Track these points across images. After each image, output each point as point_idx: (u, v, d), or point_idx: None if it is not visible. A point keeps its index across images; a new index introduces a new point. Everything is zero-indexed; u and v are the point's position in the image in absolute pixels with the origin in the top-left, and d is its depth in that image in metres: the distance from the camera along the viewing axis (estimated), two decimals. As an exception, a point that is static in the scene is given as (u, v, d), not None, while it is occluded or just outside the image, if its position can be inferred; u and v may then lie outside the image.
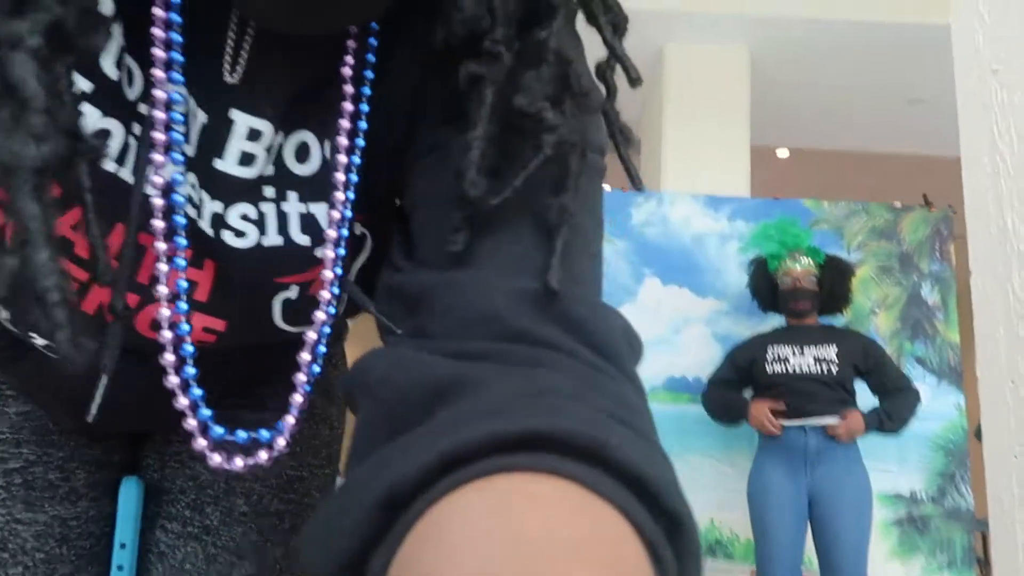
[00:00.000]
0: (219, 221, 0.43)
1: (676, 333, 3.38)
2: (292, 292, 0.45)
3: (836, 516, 2.68)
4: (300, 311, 0.46)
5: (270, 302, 0.46)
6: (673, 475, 0.29)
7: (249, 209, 0.43)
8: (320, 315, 0.43)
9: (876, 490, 3.14)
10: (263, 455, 0.43)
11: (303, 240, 0.44)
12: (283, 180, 0.43)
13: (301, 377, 0.43)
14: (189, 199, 0.41)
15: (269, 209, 0.43)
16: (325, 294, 0.43)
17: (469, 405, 0.29)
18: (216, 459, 0.41)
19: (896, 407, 2.81)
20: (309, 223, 0.44)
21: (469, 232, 0.37)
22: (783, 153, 5.59)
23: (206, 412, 0.41)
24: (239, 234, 0.43)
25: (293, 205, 0.44)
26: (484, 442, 0.26)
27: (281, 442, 0.43)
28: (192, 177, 0.42)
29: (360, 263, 0.48)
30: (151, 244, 0.41)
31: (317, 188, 0.44)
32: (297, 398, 0.43)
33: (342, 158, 0.42)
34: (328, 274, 0.43)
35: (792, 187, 4.78)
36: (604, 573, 0.22)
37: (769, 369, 2.87)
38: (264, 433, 0.43)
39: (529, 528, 0.23)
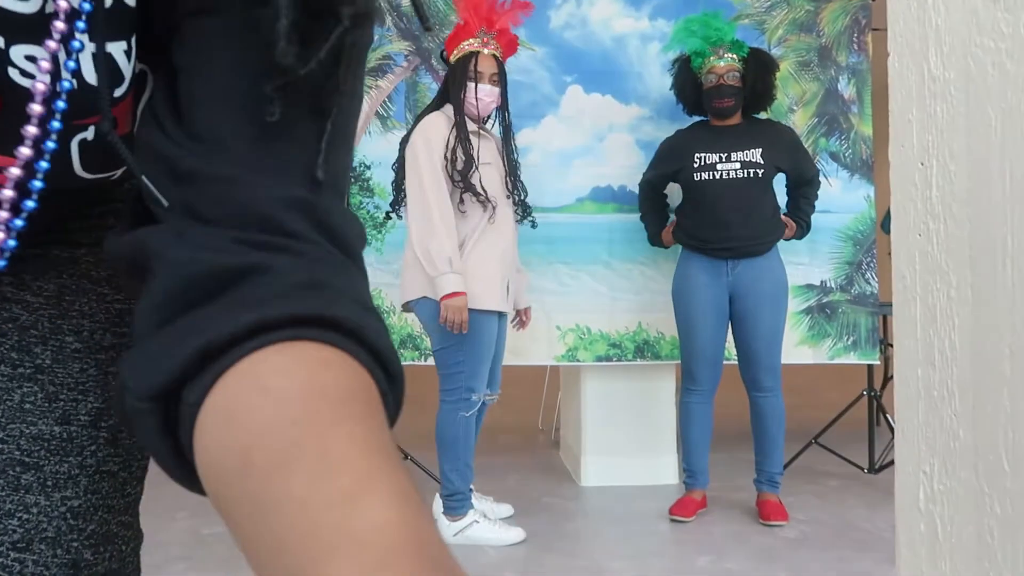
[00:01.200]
0: (2, 57, 0.40)
1: (600, 142, 3.35)
2: (89, 133, 0.45)
3: (754, 308, 2.83)
4: (98, 154, 0.45)
5: (68, 144, 0.44)
6: (391, 342, 0.39)
7: (36, 51, 0.41)
8: (24, 151, 0.42)
9: (790, 282, 3.32)
10: None
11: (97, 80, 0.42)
12: (70, 16, 0.41)
13: (3, 215, 0.43)
14: None
15: (59, 50, 0.41)
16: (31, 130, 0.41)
17: (267, 289, 0.36)
18: None
19: (811, 210, 3.00)
20: (104, 62, 0.42)
21: (283, 102, 0.39)
22: (706, -54, 5.35)
23: None
24: (26, 74, 0.41)
25: (84, 44, 0.42)
26: (282, 318, 0.35)
27: None
28: None
29: (144, 103, 0.46)
30: None
31: (110, 25, 0.42)
32: None
33: None
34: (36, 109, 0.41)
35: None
36: (367, 410, 0.34)
37: (697, 177, 2.89)
38: None
39: (323, 381, 0.34)
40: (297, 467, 0.30)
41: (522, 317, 2.93)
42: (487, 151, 2.63)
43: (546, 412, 5.13)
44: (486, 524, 2.62)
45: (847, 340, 3.39)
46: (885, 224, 4.39)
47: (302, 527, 0.28)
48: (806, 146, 3.37)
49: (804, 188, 3.00)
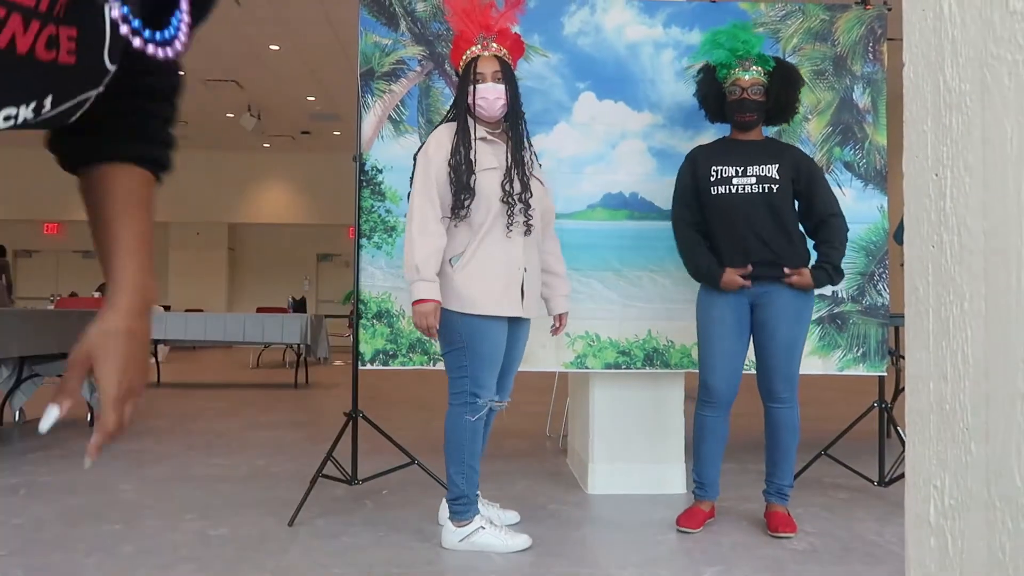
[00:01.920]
0: None
1: (612, 149, 3.35)
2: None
3: (774, 317, 2.78)
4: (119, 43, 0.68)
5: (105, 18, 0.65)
6: (169, 156, 0.85)
7: None
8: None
9: (801, 292, 3.28)
10: (173, 50, 0.68)
11: None
12: None
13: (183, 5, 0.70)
14: None
15: None
16: None
17: (120, 135, 0.80)
18: (149, 48, 0.65)
19: (836, 253, 2.81)
20: None
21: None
22: (721, -46, 5.34)
23: (136, 22, 0.64)
24: None
25: None
26: (128, 153, 0.80)
27: (182, 38, 0.69)
28: None
29: None
30: None
31: None
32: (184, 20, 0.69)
33: None
34: None
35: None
36: (144, 204, 0.81)
37: (713, 191, 2.86)
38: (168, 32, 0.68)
39: (132, 185, 0.80)
40: (110, 224, 0.77)
41: (556, 323, 2.92)
42: (495, 156, 2.63)
43: (554, 419, 5.12)
44: (492, 530, 2.61)
45: (857, 352, 3.36)
46: (898, 235, 4.37)
47: (104, 243, 0.77)
48: (820, 155, 3.36)
49: (821, 231, 2.85)
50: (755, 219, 2.79)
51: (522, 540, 2.60)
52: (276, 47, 9.92)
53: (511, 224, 2.61)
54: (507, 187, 2.59)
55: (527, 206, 2.63)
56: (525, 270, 2.65)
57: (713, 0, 3.40)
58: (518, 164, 2.64)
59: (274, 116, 13.07)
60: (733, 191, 2.82)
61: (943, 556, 0.78)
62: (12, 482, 3.51)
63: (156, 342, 8.27)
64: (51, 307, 9.07)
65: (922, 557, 0.81)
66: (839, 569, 2.42)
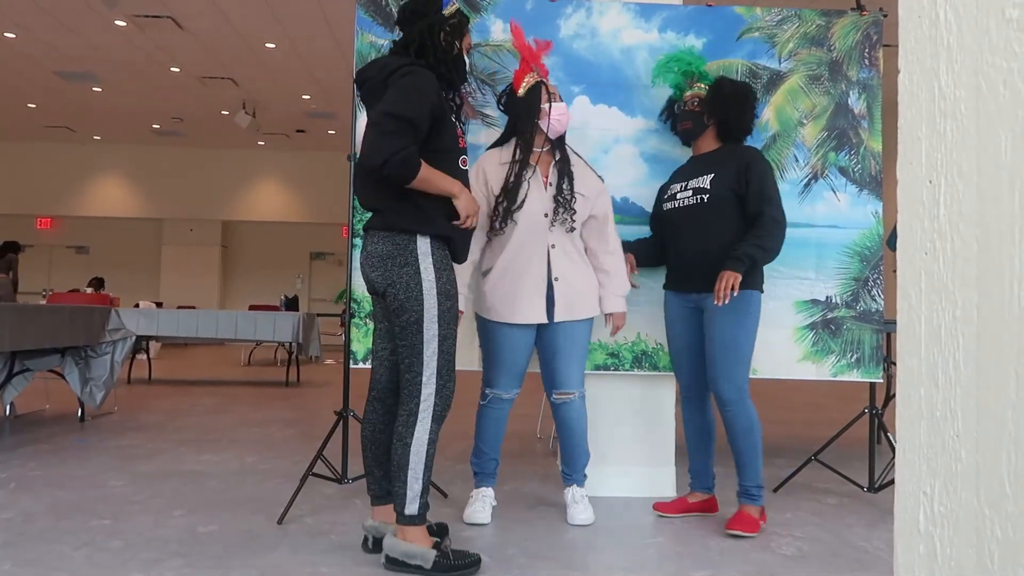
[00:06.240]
0: None
1: (605, 153, 3.35)
2: None
3: (710, 320, 2.84)
4: None
5: None
6: None
7: None
8: None
9: (795, 297, 3.32)
10: None
11: None
12: None
13: None
14: None
15: None
16: None
17: None
18: None
19: (747, 247, 2.72)
20: None
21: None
22: (718, -41, 5.34)
23: None
24: None
25: None
26: None
27: None
28: None
29: None
30: None
31: None
32: None
33: None
34: None
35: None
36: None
37: (663, 207, 3.01)
38: None
39: None
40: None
41: (607, 322, 3.05)
42: (534, 180, 2.87)
43: (544, 420, 5.11)
44: (473, 503, 2.94)
45: (851, 357, 3.37)
46: (891, 241, 4.38)
47: None
48: (815, 160, 3.37)
49: (752, 226, 2.77)
50: (688, 232, 2.90)
51: (481, 516, 2.88)
52: (272, 45, 9.89)
53: (532, 237, 2.84)
54: (558, 199, 2.85)
55: (572, 212, 2.86)
56: (556, 279, 2.87)
57: (709, 4, 3.40)
58: (563, 176, 2.88)
59: (269, 114, 13.03)
60: (675, 206, 2.95)
61: (931, 563, 0.78)
62: (1, 476, 3.48)
63: (148, 338, 8.23)
64: (43, 302, 9.02)
65: (911, 564, 0.81)
66: (827, 574, 2.42)
